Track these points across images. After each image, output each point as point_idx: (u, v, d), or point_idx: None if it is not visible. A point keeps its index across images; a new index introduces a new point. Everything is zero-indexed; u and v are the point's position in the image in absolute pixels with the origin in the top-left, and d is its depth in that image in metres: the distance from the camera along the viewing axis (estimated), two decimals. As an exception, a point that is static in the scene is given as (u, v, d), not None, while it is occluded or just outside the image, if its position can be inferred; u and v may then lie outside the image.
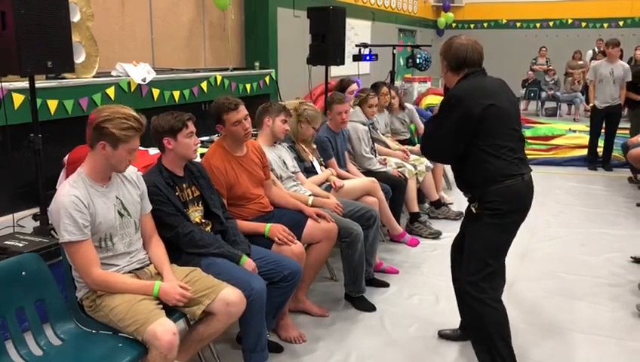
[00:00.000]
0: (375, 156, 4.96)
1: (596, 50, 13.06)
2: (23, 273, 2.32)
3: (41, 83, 4.76)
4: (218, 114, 3.20)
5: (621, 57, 7.97)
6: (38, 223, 3.85)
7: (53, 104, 5.05)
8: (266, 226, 3.15)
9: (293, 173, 3.84)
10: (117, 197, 2.50)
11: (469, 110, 2.61)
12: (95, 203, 2.40)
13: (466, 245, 2.85)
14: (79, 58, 5.21)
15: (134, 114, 2.45)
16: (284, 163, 3.79)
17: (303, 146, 4.16)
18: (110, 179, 2.50)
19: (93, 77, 5.54)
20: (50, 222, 3.83)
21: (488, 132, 2.65)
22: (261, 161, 3.40)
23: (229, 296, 2.50)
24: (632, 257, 4.44)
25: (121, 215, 2.49)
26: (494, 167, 2.67)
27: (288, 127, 3.76)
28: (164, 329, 2.22)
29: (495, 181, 2.67)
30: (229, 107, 3.16)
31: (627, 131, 8.22)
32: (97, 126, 2.39)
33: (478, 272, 2.72)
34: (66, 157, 4.18)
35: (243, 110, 3.19)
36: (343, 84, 5.62)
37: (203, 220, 2.91)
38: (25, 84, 4.13)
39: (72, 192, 2.35)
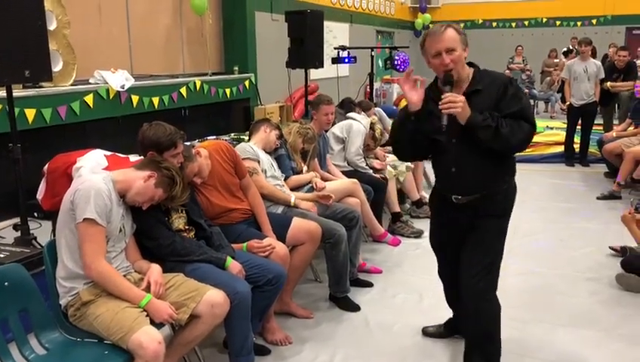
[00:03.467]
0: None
1: (570, 47, 13.29)
2: (6, 283, 2.30)
3: (18, 92, 4.73)
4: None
5: (594, 55, 8.13)
6: (19, 233, 3.82)
7: (31, 113, 5.02)
8: (243, 245, 3.14)
9: (279, 176, 3.88)
10: (123, 215, 2.55)
11: None
12: (113, 207, 2.48)
13: (471, 250, 2.68)
14: (56, 66, 5.17)
15: (183, 185, 2.69)
16: (272, 165, 3.85)
17: (296, 157, 4.22)
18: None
19: (71, 85, 5.51)
20: (29, 224, 3.80)
21: None
22: (231, 162, 3.33)
23: (214, 298, 2.52)
24: (610, 247, 4.50)
25: (119, 230, 2.54)
26: (513, 161, 2.67)
27: (277, 145, 3.94)
28: (149, 339, 2.22)
29: (512, 176, 2.67)
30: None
31: (601, 127, 8.40)
32: (162, 166, 2.62)
33: (487, 275, 2.67)
34: (46, 166, 4.14)
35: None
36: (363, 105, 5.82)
37: (187, 226, 2.91)
38: (2, 93, 4.10)
39: (106, 185, 2.47)
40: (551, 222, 5.46)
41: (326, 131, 4.86)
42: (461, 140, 2.55)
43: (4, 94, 3.74)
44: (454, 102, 2.45)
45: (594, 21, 16.02)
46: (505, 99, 2.51)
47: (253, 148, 3.71)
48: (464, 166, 2.62)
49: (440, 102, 2.47)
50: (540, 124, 9.42)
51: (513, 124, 2.48)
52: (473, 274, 2.66)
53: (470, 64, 2.63)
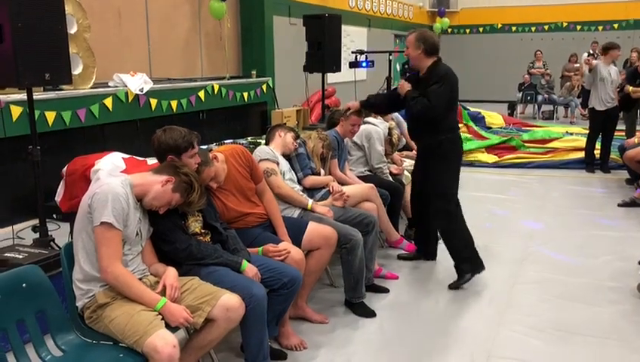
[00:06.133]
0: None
1: (591, 51, 13.13)
2: (24, 285, 2.32)
3: (38, 95, 4.79)
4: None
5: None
6: (37, 235, 3.86)
7: (51, 115, 5.08)
8: (259, 249, 3.13)
9: (296, 181, 3.89)
10: (140, 219, 2.56)
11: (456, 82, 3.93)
12: (130, 211, 2.48)
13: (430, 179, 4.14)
14: (76, 69, 5.23)
15: (201, 190, 2.68)
16: (290, 170, 3.87)
17: (315, 159, 4.23)
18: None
19: (91, 88, 5.57)
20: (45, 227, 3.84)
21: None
22: (247, 167, 3.32)
23: (229, 301, 2.51)
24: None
25: (136, 234, 2.55)
26: (445, 124, 3.99)
27: (296, 146, 3.95)
28: (164, 342, 2.22)
29: (447, 133, 4.03)
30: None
31: (622, 133, 8.27)
32: (180, 171, 2.61)
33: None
34: (65, 168, 4.18)
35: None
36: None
37: (202, 230, 2.91)
38: (23, 96, 4.16)
39: (124, 189, 2.48)
40: (570, 229, 5.38)
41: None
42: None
43: (25, 97, 3.79)
44: (401, 85, 4.08)
45: (615, 25, 15.82)
46: (430, 84, 3.83)
47: (273, 151, 3.72)
48: (411, 123, 4.29)
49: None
50: (560, 129, 9.36)
51: (417, 100, 3.85)
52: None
53: (438, 59, 3.94)
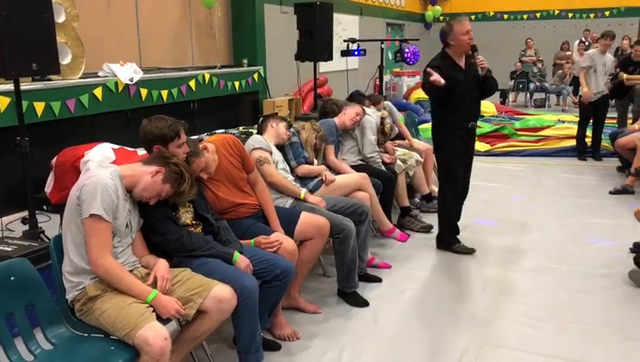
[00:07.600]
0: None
1: (583, 39, 13.12)
2: (12, 278, 2.29)
3: (26, 85, 4.72)
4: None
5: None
6: (27, 227, 3.82)
7: (39, 106, 5.02)
8: (251, 241, 3.11)
9: (289, 171, 3.87)
10: (129, 210, 2.53)
11: None
12: (119, 203, 2.45)
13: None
14: (65, 59, 5.16)
15: (191, 181, 2.65)
16: (284, 160, 3.87)
17: (309, 149, 4.22)
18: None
19: (80, 78, 5.50)
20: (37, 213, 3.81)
21: None
22: (238, 157, 3.28)
23: (221, 293, 2.49)
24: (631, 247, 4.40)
25: (126, 225, 2.52)
26: None
27: (290, 135, 3.96)
28: (155, 335, 2.20)
29: None
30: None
31: (614, 121, 8.29)
32: (170, 161, 2.58)
33: None
34: (54, 159, 4.14)
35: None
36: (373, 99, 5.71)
37: (194, 221, 2.89)
38: (10, 86, 4.10)
39: (113, 180, 2.44)
40: (563, 216, 5.39)
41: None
42: (474, 86, 4.25)
43: (13, 87, 3.73)
44: (485, 61, 4.19)
45: (607, 13, 15.81)
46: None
47: (267, 141, 3.70)
48: (474, 101, 4.33)
49: (479, 62, 4.16)
50: (552, 117, 9.36)
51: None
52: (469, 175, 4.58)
53: None
